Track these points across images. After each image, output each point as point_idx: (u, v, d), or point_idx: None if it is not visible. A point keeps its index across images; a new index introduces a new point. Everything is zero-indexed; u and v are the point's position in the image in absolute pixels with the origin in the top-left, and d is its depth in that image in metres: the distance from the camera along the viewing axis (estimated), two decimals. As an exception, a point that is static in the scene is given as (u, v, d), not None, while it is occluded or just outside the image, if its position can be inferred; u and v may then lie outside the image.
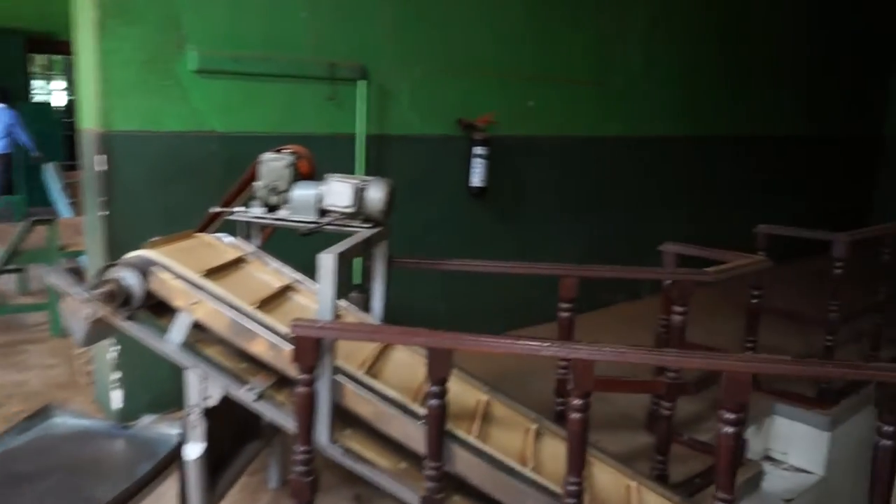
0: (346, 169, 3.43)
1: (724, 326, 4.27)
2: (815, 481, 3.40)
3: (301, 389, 1.85)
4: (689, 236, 3.34)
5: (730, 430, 1.74)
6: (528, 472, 1.99)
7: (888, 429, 1.71)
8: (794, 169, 6.63)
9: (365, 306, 2.48)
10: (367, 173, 3.50)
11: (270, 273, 2.38)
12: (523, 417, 2.48)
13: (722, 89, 5.69)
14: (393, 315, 2.49)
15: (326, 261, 1.85)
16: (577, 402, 1.76)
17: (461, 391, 2.45)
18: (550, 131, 4.46)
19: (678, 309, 2.63)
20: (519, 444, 2.24)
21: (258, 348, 1.96)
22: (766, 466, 3.43)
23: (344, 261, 1.90)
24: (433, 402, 1.80)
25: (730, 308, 4.20)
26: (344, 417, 2.01)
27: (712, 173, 5.75)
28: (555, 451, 2.32)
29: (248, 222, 2.42)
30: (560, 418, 2.79)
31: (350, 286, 2.57)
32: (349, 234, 2.18)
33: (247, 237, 2.46)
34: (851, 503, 3.80)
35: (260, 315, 2.01)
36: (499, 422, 2.41)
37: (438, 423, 1.82)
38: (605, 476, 2.31)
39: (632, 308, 5.07)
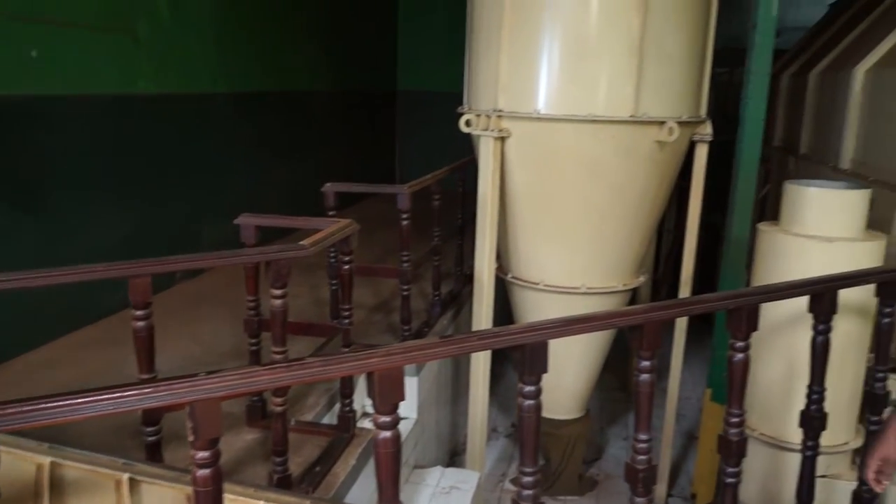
0: None
1: (293, 289, 4.13)
2: (411, 426, 3.51)
3: None
4: (253, 203, 3.03)
5: (387, 434, 1.52)
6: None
7: (530, 389, 1.68)
8: (330, 124, 6.80)
9: None
10: None
11: None
12: (107, 469, 1.89)
13: (257, 44, 5.38)
14: None
15: None
16: (201, 454, 1.32)
17: (9, 463, 1.75)
18: (65, 90, 3.57)
19: (277, 292, 2.30)
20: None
21: None
22: (368, 423, 3.42)
23: None
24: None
25: (299, 273, 4.06)
26: None
27: (258, 132, 5.46)
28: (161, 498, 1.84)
29: None
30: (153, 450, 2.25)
31: None
32: None
33: None
34: (437, 429, 4.11)
35: None
36: (76, 487, 1.80)
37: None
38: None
39: (194, 286, 4.55)
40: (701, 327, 4.38)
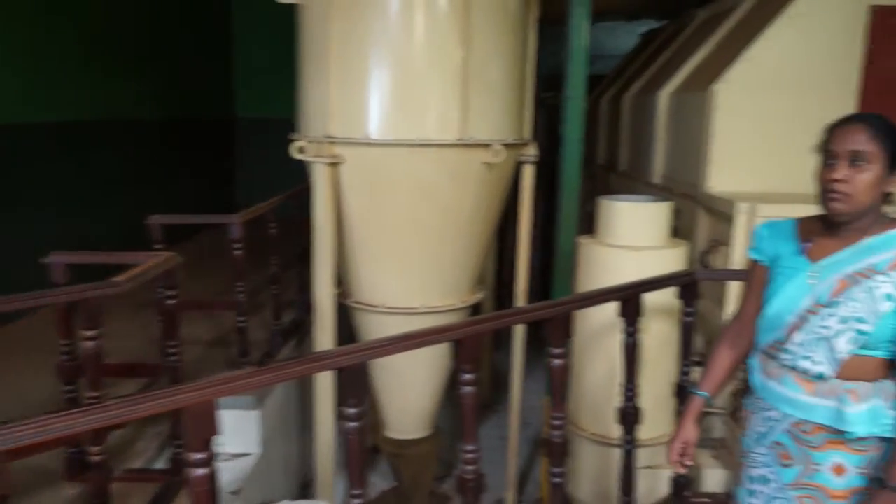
0: None
1: (124, 328, 3.89)
2: (254, 462, 3.40)
3: None
4: (63, 240, 2.84)
5: (201, 472, 1.46)
6: None
7: (353, 412, 1.69)
8: (163, 154, 6.50)
9: None
10: None
11: None
12: None
13: (80, 72, 5.06)
14: None
15: None
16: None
17: None
18: None
19: (90, 333, 2.16)
20: None
21: None
22: (208, 465, 3.28)
23: None
24: None
25: (123, 308, 3.83)
26: None
27: (84, 164, 5.12)
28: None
29: None
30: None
31: None
32: None
33: None
34: (285, 462, 4.00)
35: None
36: None
37: None
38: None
39: (5, 333, 4.16)
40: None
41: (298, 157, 3.55)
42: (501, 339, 5.53)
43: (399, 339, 1.79)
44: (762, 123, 3.46)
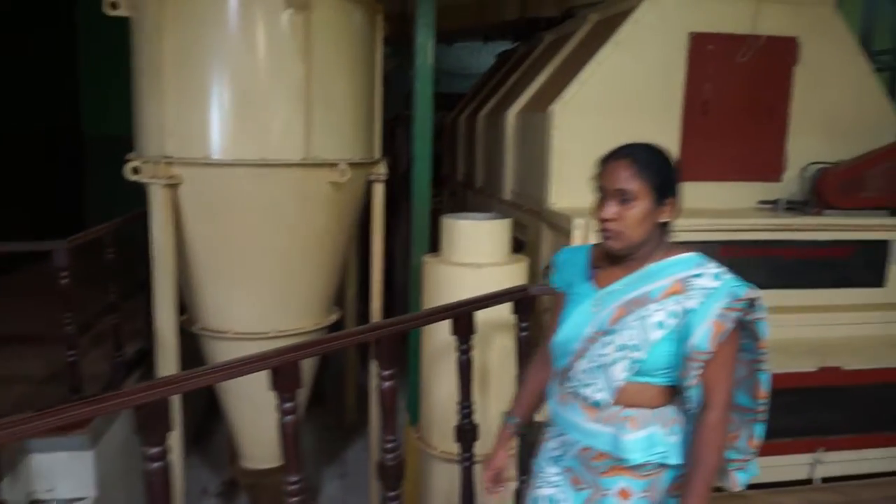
0: None
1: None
2: (89, 506, 3.17)
3: None
4: None
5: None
6: None
7: (155, 451, 1.59)
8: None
9: None
10: None
11: None
12: None
13: None
14: None
15: None
16: None
17: None
18: None
19: None
20: None
21: None
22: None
23: None
24: None
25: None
26: None
27: None
28: None
29: None
30: None
31: None
32: None
33: None
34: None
35: None
36: None
37: None
38: None
39: None
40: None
41: (133, 178, 3.37)
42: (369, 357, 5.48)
43: (207, 371, 1.71)
44: (597, 142, 3.59)
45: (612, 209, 1.59)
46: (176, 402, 3.38)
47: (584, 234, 3.28)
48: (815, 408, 3.32)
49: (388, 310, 4.40)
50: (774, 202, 3.79)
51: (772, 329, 3.82)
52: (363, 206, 3.94)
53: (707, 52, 3.68)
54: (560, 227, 3.48)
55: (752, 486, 3.26)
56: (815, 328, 3.65)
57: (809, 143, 3.84)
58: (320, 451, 5.15)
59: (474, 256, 3.07)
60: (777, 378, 3.19)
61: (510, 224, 3.22)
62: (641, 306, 1.61)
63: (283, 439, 1.88)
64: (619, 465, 1.66)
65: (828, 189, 3.68)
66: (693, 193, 3.74)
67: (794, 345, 3.53)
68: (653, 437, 1.64)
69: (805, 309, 3.63)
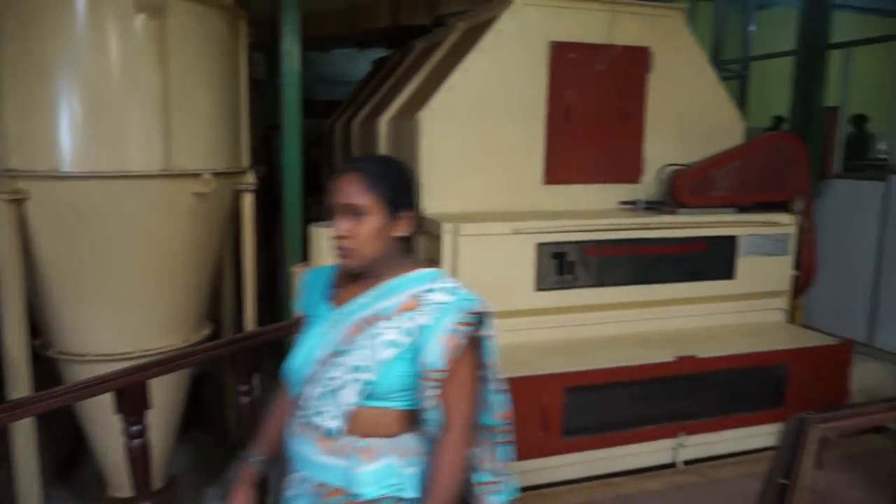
0: None
1: None
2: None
3: None
4: None
5: None
6: None
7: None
8: None
9: None
10: None
11: None
12: None
13: None
14: None
15: None
16: None
17: None
18: None
19: None
20: None
21: None
22: None
23: None
24: None
25: None
26: None
27: None
28: None
29: None
30: None
31: None
32: None
33: None
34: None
35: None
36: None
37: None
38: None
39: None
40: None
41: (-29, 194, 3.12)
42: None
43: (37, 398, 1.61)
44: (464, 148, 3.71)
45: (343, 225, 1.50)
46: (28, 429, 3.18)
47: (453, 239, 3.34)
48: (675, 395, 3.52)
49: (275, 320, 4.30)
50: (634, 203, 4.00)
51: (635, 324, 4.04)
52: (234, 216, 3.82)
53: (567, 61, 3.83)
54: (431, 232, 3.52)
55: (620, 473, 3.45)
56: (673, 320, 3.88)
57: (665, 147, 4.09)
58: (201, 472, 4.94)
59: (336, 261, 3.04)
60: (639, 369, 3.40)
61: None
62: (373, 325, 1.53)
63: (131, 465, 1.79)
64: (352, 500, 1.52)
65: (681, 189, 3.93)
66: (558, 196, 3.93)
67: (654, 337, 3.74)
68: (387, 469, 1.52)
69: (664, 302, 3.86)
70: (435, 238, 3.45)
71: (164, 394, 3.66)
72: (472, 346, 1.54)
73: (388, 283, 1.56)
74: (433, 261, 3.47)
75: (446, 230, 3.33)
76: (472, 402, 1.56)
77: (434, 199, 3.65)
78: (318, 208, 4.77)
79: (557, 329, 3.64)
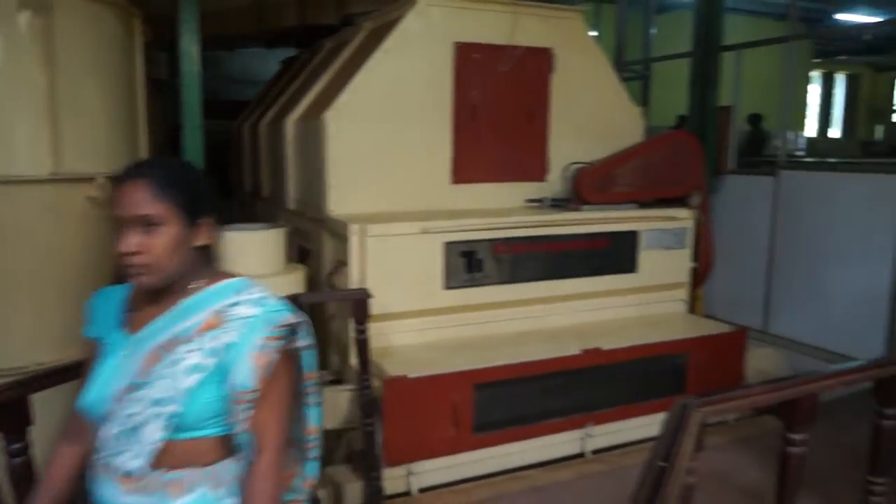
0: None
1: None
2: None
3: None
4: None
5: None
6: None
7: None
8: None
9: None
10: None
11: None
12: None
13: None
14: None
15: None
16: None
17: None
18: None
19: None
20: None
21: None
22: None
23: None
24: None
25: None
26: None
27: None
28: None
29: None
30: None
31: None
32: None
33: None
34: None
35: None
36: None
37: None
38: None
39: None
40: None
41: None
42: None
43: None
44: (371, 149, 3.70)
45: (132, 240, 1.33)
46: None
47: (360, 241, 3.33)
48: (582, 387, 3.62)
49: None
50: (540, 200, 4.10)
51: (542, 319, 4.09)
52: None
53: (472, 61, 3.88)
54: (339, 234, 3.49)
55: (531, 466, 3.52)
56: (580, 314, 3.99)
57: (568, 145, 4.20)
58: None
59: (247, 268, 2.96)
60: (546, 363, 3.48)
61: (283, 234, 3.18)
62: (172, 350, 1.37)
63: (13, 487, 1.70)
64: None
65: (584, 186, 4.05)
66: (466, 195, 3.97)
67: (562, 331, 3.84)
68: (201, 501, 1.38)
69: (571, 297, 3.96)
70: (342, 239, 3.43)
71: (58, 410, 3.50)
72: (286, 360, 1.41)
73: (187, 300, 1.41)
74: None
75: (353, 231, 3.31)
76: (285, 421, 1.44)
77: (341, 200, 3.63)
78: (227, 213, 4.66)
79: (466, 327, 3.68)
